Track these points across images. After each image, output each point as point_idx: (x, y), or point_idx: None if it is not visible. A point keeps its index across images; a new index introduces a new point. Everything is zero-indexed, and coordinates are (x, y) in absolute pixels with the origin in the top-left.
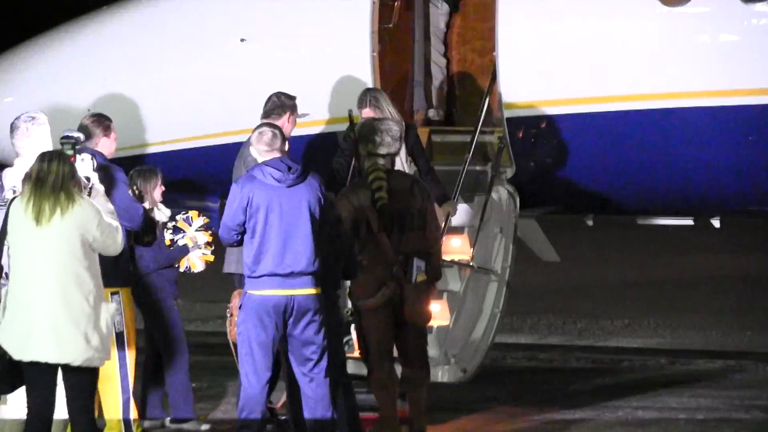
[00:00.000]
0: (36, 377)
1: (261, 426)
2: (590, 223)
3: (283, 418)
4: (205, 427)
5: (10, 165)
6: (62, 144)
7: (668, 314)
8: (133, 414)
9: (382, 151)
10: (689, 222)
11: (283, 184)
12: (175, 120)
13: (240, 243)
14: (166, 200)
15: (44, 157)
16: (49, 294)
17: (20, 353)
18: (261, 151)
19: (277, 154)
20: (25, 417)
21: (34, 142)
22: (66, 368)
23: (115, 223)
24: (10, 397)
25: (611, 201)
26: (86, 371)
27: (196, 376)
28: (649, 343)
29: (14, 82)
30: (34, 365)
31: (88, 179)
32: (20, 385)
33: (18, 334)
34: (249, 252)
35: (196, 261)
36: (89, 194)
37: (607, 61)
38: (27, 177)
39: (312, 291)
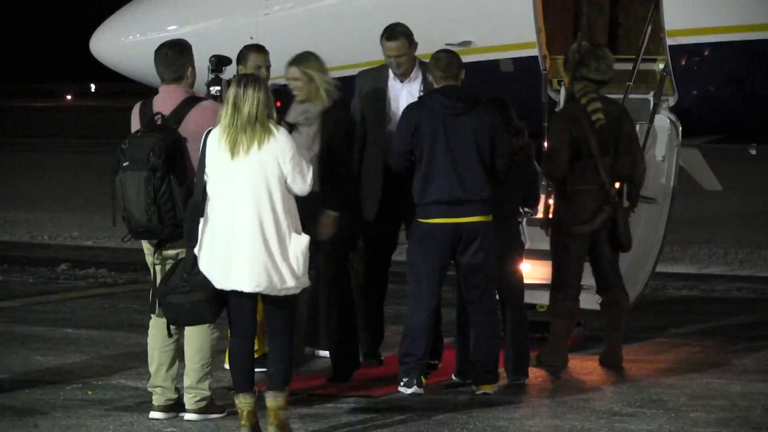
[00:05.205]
0: (238, 305)
1: (424, 355)
2: (753, 152)
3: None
4: None
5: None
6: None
7: None
8: None
9: (597, 76)
10: None
11: (451, 112)
12: (340, 47)
13: (409, 170)
14: None
15: (240, 82)
16: (247, 225)
17: (222, 283)
18: (437, 77)
19: (453, 82)
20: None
21: (177, 69)
22: (265, 296)
23: (307, 162)
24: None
25: None
26: (284, 299)
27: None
28: None
29: (179, 10)
30: (236, 294)
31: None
32: (221, 311)
33: (219, 264)
34: (417, 180)
35: None
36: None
37: None
38: (225, 102)
39: (480, 218)
